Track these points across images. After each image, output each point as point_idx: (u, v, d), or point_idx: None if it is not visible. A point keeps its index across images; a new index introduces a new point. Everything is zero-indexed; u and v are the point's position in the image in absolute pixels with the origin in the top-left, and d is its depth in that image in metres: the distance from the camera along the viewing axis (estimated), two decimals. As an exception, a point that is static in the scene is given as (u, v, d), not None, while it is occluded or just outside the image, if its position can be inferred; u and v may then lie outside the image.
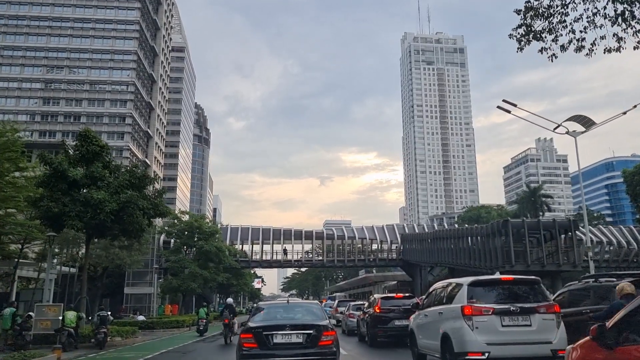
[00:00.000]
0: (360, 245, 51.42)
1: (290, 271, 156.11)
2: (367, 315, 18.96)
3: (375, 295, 21.39)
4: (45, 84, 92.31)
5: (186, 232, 35.13)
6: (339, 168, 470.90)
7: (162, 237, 42.57)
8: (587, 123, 21.47)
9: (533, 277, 10.37)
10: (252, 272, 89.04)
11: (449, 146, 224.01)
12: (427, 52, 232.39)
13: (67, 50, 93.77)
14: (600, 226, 57.76)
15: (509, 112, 21.88)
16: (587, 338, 4.68)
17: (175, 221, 36.08)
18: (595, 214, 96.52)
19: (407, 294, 20.78)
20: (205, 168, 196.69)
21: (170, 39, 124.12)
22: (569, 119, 21.78)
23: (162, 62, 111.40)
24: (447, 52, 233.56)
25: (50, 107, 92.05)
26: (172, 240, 38.55)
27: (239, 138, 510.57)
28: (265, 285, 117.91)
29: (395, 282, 57.53)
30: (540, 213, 69.62)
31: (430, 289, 12.35)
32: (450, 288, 10.85)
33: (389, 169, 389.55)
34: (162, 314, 37.92)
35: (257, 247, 51.99)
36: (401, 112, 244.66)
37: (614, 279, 10.09)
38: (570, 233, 32.38)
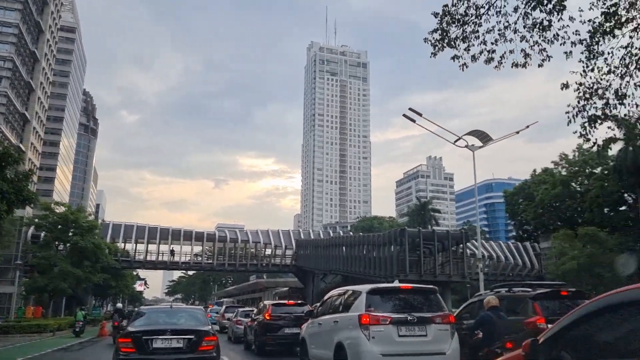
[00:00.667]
0: (253, 250, 49.56)
1: (177, 274, 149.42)
2: (255, 322, 18.03)
3: (266, 302, 20.43)
4: None
5: (60, 226, 30.83)
6: (235, 171, 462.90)
7: (31, 229, 37.46)
8: (484, 138, 22.17)
9: (431, 286, 10.06)
10: (135, 273, 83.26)
11: (346, 157, 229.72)
12: (331, 63, 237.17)
13: None
14: (483, 241, 61.39)
15: (413, 121, 21.84)
16: (517, 353, 4.14)
17: (48, 213, 31.40)
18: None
19: (299, 301, 19.95)
20: (90, 160, 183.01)
21: (60, 17, 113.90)
22: (469, 133, 22.24)
23: (48, 40, 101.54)
24: (350, 65, 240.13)
25: None
26: (43, 234, 33.81)
27: (131, 133, 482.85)
28: (148, 288, 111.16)
29: (287, 288, 56.20)
30: (429, 226, 72.75)
31: (326, 297, 11.82)
32: (347, 295, 10.35)
33: (286, 176, 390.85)
34: (22, 316, 33.19)
35: (141, 247, 48.00)
36: (302, 120, 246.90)
37: (529, 289, 9.84)
38: (461, 245, 33.53)
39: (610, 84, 8.96)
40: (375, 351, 8.65)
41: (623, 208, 48.04)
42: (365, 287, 9.68)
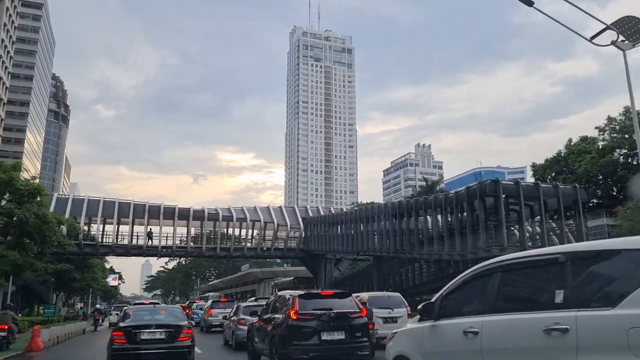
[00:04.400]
0: (251, 230, 40.30)
1: (155, 268, 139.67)
2: (272, 323, 11.82)
3: (286, 292, 12.81)
4: None
5: None
6: (214, 167, 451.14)
7: None
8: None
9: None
10: (108, 266, 73.62)
11: (332, 146, 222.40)
12: (315, 49, 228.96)
13: None
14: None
15: (530, 4, 13.87)
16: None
17: None
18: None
19: (339, 291, 13.25)
20: (61, 150, 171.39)
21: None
22: (618, 21, 14.15)
23: (7, 8, 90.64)
24: (335, 50, 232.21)
25: None
26: None
27: (107, 128, 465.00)
28: (123, 282, 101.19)
29: (290, 278, 46.75)
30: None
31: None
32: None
33: (265, 171, 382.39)
34: None
35: (110, 228, 38.49)
36: (286, 107, 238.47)
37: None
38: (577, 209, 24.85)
39: None
40: None
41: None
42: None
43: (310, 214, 42.24)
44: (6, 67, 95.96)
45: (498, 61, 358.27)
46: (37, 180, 22.81)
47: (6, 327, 15.54)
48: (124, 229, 37.69)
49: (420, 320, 5.67)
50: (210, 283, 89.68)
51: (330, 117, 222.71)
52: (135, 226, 37.30)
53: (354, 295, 13.24)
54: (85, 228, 36.94)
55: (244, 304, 20.87)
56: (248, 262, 62.60)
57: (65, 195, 40.52)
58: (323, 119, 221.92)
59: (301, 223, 41.28)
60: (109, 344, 11.35)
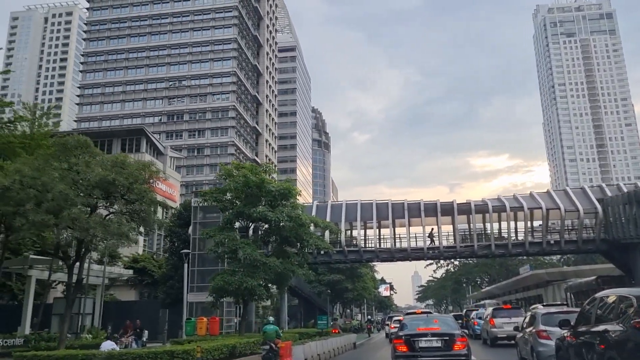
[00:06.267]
0: (529, 222, 32.94)
1: (424, 279, 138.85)
2: (603, 339, 7.30)
3: (620, 292, 7.78)
4: (146, 83, 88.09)
5: (236, 198, 21.57)
6: (468, 173, 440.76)
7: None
8: None
9: None
10: (378, 276, 74.55)
11: (602, 128, 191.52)
12: (565, 23, 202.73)
13: (166, 47, 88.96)
14: None
15: None
16: None
17: (225, 176, 21.54)
18: None
19: None
20: (327, 174, 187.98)
21: (276, 30, 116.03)
22: None
23: (267, 53, 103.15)
24: (590, 19, 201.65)
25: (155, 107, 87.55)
26: (217, 210, 22.60)
27: (363, 152, 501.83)
28: (395, 293, 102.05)
29: (588, 279, 37.19)
30: None
31: None
32: None
33: (524, 170, 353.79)
34: (191, 333, 23.10)
35: (370, 233, 36.51)
36: (539, 96, 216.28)
37: None
38: None
39: None
40: None
41: None
42: None
43: (609, 194, 33.06)
44: (273, 105, 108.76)
45: None
46: (288, 183, 21.74)
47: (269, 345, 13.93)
48: (385, 232, 35.67)
49: None
50: (483, 290, 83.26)
51: (596, 96, 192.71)
52: (396, 229, 35.00)
53: None
54: (348, 233, 36.22)
55: (542, 311, 15.56)
56: (528, 264, 54.83)
57: (324, 201, 41.13)
58: (587, 99, 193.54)
59: (598, 206, 32.45)
60: (392, 351, 12.26)
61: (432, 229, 35.16)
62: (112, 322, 29.97)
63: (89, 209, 14.98)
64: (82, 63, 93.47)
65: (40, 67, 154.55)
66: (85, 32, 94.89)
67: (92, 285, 32.85)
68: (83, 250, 16.05)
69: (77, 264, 16.46)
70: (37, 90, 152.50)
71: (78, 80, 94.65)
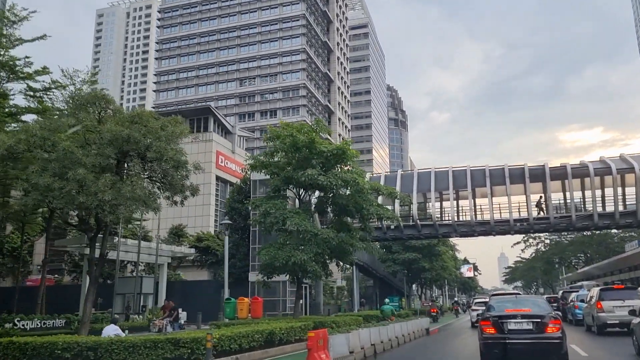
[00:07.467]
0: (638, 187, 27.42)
1: (511, 259, 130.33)
2: None
3: None
4: (217, 67, 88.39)
5: (287, 164, 18.77)
6: (557, 149, 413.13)
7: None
8: None
9: None
10: (457, 253, 69.65)
11: None
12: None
13: (235, 29, 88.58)
14: None
15: None
16: None
17: (270, 143, 18.77)
18: None
19: None
20: (405, 153, 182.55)
21: (346, 5, 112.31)
22: None
23: (338, 29, 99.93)
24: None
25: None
26: (267, 176, 22.11)
27: (443, 132, 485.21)
28: (480, 274, 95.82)
29: None
30: None
31: None
32: None
33: (621, 144, 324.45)
34: (231, 315, 20.69)
35: (447, 205, 32.02)
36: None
37: None
38: None
39: None
40: None
41: None
42: None
43: None
44: (345, 82, 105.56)
45: None
46: (348, 146, 18.70)
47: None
48: (463, 204, 31.59)
49: None
50: (579, 271, 75.67)
51: None
52: (477, 199, 30.78)
53: None
54: (422, 206, 32.61)
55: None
56: (637, 239, 48.06)
57: (393, 171, 37.55)
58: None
59: None
60: (479, 334, 11.66)
61: (540, 196, 30.79)
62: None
63: (101, 170, 13.14)
64: (157, 51, 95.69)
65: (124, 60, 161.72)
66: (159, 20, 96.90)
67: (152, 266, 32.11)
68: (104, 221, 14.37)
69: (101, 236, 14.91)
70: (122, 82, 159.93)
71: (155, 69, 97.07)
